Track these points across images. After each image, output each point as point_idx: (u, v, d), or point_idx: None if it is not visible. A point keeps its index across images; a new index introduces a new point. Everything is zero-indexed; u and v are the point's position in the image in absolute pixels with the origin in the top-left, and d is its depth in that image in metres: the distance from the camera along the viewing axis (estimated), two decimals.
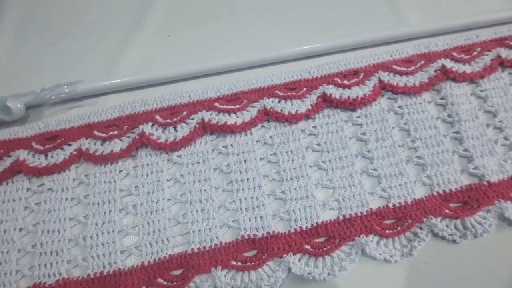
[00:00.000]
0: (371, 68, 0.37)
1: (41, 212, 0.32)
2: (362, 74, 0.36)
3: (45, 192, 0.33)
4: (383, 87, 0.35)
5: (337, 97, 0.34)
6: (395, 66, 0.36)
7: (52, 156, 0.34)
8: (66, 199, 0.33)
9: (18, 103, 0.35)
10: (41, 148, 0.34)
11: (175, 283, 0.29)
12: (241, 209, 0.31)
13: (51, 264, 0.30)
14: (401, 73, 0.36)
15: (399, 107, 0.35)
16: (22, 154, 0.34)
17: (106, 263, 0.30)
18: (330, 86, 0.35)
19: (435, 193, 0.31)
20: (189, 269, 0.29)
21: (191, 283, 0.28)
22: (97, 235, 0.31)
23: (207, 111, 0.35)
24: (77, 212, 0.32)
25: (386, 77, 0.36)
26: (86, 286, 0.29)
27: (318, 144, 0.34)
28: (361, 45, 0.39)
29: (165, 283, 0.29)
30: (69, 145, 0.35)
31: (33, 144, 0.34)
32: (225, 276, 0.29)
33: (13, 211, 0.33)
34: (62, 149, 0.34)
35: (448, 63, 0.36)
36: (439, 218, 0.30)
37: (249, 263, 0.29)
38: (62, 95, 0.36)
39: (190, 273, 0.29)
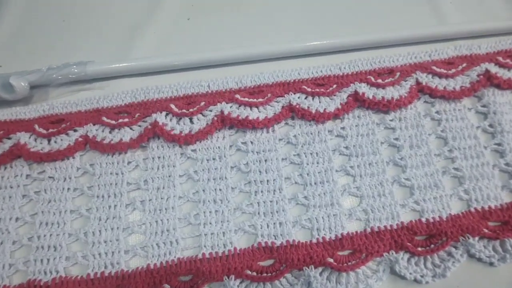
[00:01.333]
0: (408, 67, 0.34)
1: (40, 201, 0.30)
2: (398, 74, 0.33)
3: (45, 180, 0.30)
4: (421, 90, 0.32)
5: (370, 97, 0.32)
6: (434, 67, 0.33)
7: (55, 142, 0.31)
8: (68, 189, 0.30)
9: (22, 81, 0.32)
10: (44, 132, 0.32)
11: None
12: (259, 213, 0.28)
13: (48, 260, 0.27)
14: (440, 75, 0.33)
15: (437, 112, 0.32)
16: (23, 137, 0.31)
17: (108, 263, 0.27)
18: (363, 84, 0.32)
19: (472, 210, 0.28)
20: (199, 275, 0.26)
21: None
22: (99, 231, 0.28)
23: (227, 103, 0.32)
24: (79, 204, 0.30)
25: (424, 78, 0.33)
26: (85, 286, 0.26)
27: (346, 147, 0.31)
28: (397, 42, 0.36)
29: None
30: (75, 130, 0.32)
31: (36, 127, 0.32)
32: (238, 286, 0.26)
33: (10, 198, 0.30)
34: (67, 134, 0.32)
35: (493, 68, 0.33)
36: (476, 238, 0.27)
37: (265, 274, 0.26)
38: (70, 76, 0.33)
39: (199, 280, 0.26)
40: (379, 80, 0.33)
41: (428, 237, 0.28)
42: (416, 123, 0.32)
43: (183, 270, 0.27)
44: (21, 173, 0.31)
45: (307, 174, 0.30)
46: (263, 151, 0.31)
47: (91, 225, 0.29)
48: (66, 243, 0.28)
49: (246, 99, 0.32)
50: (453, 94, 0.32)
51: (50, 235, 0.28)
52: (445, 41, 0.36)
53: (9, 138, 0.32)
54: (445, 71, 0.33)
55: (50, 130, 0.32)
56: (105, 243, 0.28)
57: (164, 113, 0.32)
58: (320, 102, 0.32)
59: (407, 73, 0.33)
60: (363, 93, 0.32)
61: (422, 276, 0.26)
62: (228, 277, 0.26)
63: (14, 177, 0.31)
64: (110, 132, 0.32)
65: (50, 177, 0.31)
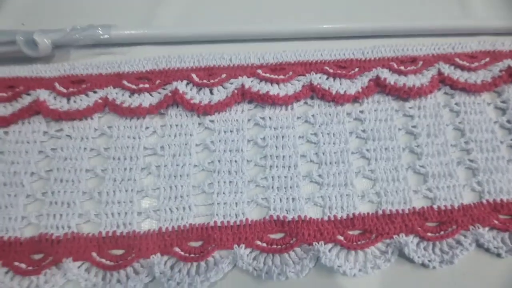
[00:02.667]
0: (431, 58, 0.34)
1: (56, 158, 0.30)
2: (421, 63, 0.33)
3: (62, 139, 0.31)
4: (442, 80, 0.32)
5: (392, 83, 0.31)
6: (457, 59, 0.33)
7: (75, 101, 0.32)
8: (85, 149, 0.30)
9: (45, 39, 0.32)
10: (64, 91, 0.32)
11: (192, 255, 0.26)
12: (272, 187, 0.29)
13: (61, 215, 0.28)
14: (463, 68, 0.33)
15: (456, 104, 0.32)
16: (42, 94, 0.31)
17: (120, 223, 0.28)
18: (385, 70, 0.32)
19: (484, 201, 0.28)
20: (210, 242, 0.27)
21: (210, 258, 0.26)
22: (114, 191, 0.28)
23: (248, 77, 0.32)
24: (95, 164, 0.30)
25: (446, 69, 0.32)
26: (96, 244, 0.27)
27: (364, 131, 0.31)
28: (421, 32, 0.35)
29: (182, 253, 0.26)
30: (95, 92, 0.32)
31: (56, 85, 0.32)
32: (247, 255, 0.26)
33: (27, 153, 0.30)
34: (86, 95, 0.32)
35: None
36: (486, 228, 0.27)
37: (275, 246, 0.27)
38: (93, 38, 0.33)
39: (210, 247, 0.27)
40: (402, 67, 0.32)
41: (439, 224, 0.28)
42: (435, 113, 0.32)
43: (194, 235, 0.27)
44: (38, 129, 0.31)
45: (323, 153, 0.30)
46: (280, 127, 0.31)
47: (105, 185, 0.29)
48: (80, 200, 0.28)
49: (268, 74, 0.32)
50: (473, 87, 0.32)
51: (64, 191, 0.29)
52: (469, 35, 0.36)
53: (29, 94, 0.32)
54: (467, 64, 0.33)
55: (70, 90, 0.32)
56: (119, 204, 0.28)
57: (185, 81, 0.32)
58: (341, 84, 0.32)
59: (430, 62, 0.33)
60: (385, 78, 0.32)
61: (429, 261, 0.26)
62: (238, 246, 0.26)
63: (31, 133, 0.31)
64: (130, 96, 0.32)
65: (67, 136, 0.31)
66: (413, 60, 0.33)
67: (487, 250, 0.27)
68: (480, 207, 0.28)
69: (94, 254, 0.26)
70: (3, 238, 0.27)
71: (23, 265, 0.26)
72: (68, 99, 0.32)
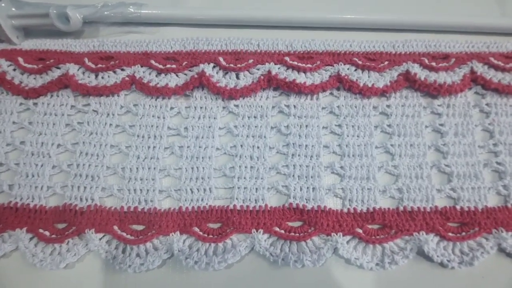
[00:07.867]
0: (464, 55, 0.33)
1: (82, 132, 0.30)
2: (453, 60, 0.32)
3: (89, 113, 0.31)
4: (474, 79, 0.31)
5: (422, 78, 0.31)
6: (492, 59, 0.32)
7: (102, 77, 0.32)
8: (111, 125, 0.31)
9: (77, 13, 0.32)
10: (93, 66, 0.32)
11: (211, 236, 0.27)
12: (293, 176, 0.29)
13: (85, 187, 0.28)
14: (497, 68, 0.32)
15: (487, 104, 0.31)
16: (72, 68, 0.32)
17: (142, 199, 0.28)
18: (416, 65, 0.31)
19: (509, 206, 0.28)
20: (229, 225, 0.27)
21: (227, 240, 0.27)
22: (137, 168, 0.29)
23: (275, 64, 0.32)
24: (119, 140, 0.30)
25: (480, 68, 0.31)
26: (117, 218, 0.27)
27: (389, 126, 0.30)
28: (455, 28, 0.34)
29: (201, 233, 0.27)
30: (123, 69, 0.32)
31: (86, 60, 0.32)
32: (265, 240, 0.26)
33: (54, 125, 0.31)
34: (114, 72, 0.32)
35: None
36: (510, 233, 0.26)
37: (293, 233, 0.27)
38: (123, 15, 0.33)
39: (228, 229, 0.27)
40: (433, 63, 0.32)
41: (460, 225, 0.27)
42: (464, 112, 0.31)
43: (213, 217, 0.27)
44: (66, 103, 0.32)
45: (346, 146, 0.30)
46: (305, 116, 0.31)
47: (129, 161, 0.29)
48: (104, 175, 0.29)
49: (295, 62, 0.32)
50: (507, 88, 0.31)
51: (89, 165, 0.29)
52: (505, 35, 0.35)
53: (58, 68, 0.33)
54: (502, 64, 0.32)
55: (99, 66, 0.32)
56: (141, 181, 0.29)
57: (211, 64, 0.32)
58: (369, 76, 0.31)
59: (463, 60, 0.32)
60: (415, 73, 0.31)
61: (448, 261, 0.26)
62: (257, 231, 0.26)
63: (59, 106, 0.32)
64: (156, 76, 0.32)
65: (94, 111, 0.31)
66: (446, 56, 0.33)
67: (509, 255, 0.26)
68: (505, 211, 0.28)
69: (115, 227, 0.27)
70: (29, 205, 0.28)
71: (47, 233, 0.27)
72: (96, 75, 0.32)
